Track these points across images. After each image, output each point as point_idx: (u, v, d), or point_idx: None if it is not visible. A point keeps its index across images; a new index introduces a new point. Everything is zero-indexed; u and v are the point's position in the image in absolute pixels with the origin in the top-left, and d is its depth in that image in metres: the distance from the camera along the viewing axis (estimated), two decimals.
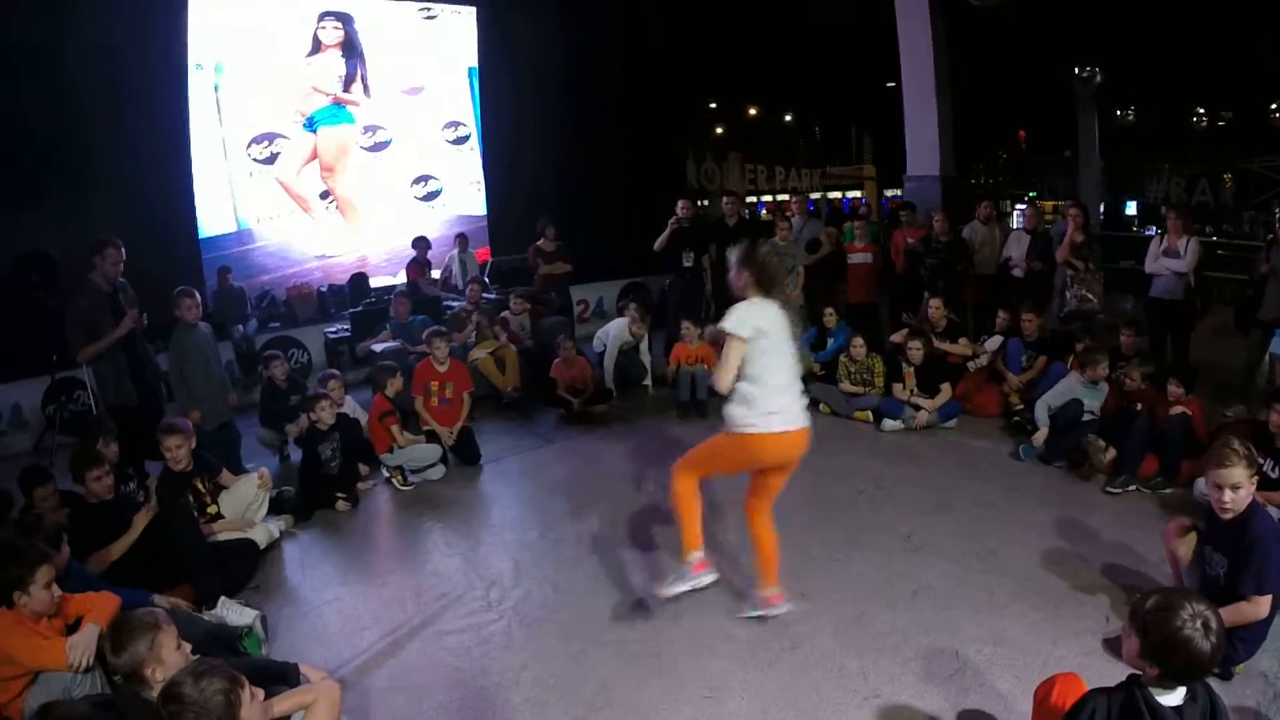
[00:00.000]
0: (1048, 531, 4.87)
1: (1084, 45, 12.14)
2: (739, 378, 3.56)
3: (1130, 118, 15.51)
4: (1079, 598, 4.09)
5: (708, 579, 3.87)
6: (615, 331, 8.22)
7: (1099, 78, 12.46)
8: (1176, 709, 2.20)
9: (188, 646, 2.87)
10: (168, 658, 2.75)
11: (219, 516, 4.99)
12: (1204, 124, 16.08)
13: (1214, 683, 3.18)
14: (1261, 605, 3.23)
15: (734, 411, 3.61)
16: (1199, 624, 2.14)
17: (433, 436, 6.34)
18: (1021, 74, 15.15)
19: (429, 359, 6.62)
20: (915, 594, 4.15)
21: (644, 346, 8.36)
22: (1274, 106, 13.96)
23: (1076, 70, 12.44)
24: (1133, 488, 5.42)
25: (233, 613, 4.02)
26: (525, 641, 3.91)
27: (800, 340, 7.77)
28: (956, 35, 9.19)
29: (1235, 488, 3.29)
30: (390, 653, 3.88)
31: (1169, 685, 2.22)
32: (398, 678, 3.69)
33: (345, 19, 11.22)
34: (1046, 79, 14.47)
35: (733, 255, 3.71)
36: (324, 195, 11.35)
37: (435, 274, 11.11)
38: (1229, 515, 3.34)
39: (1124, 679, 2.33)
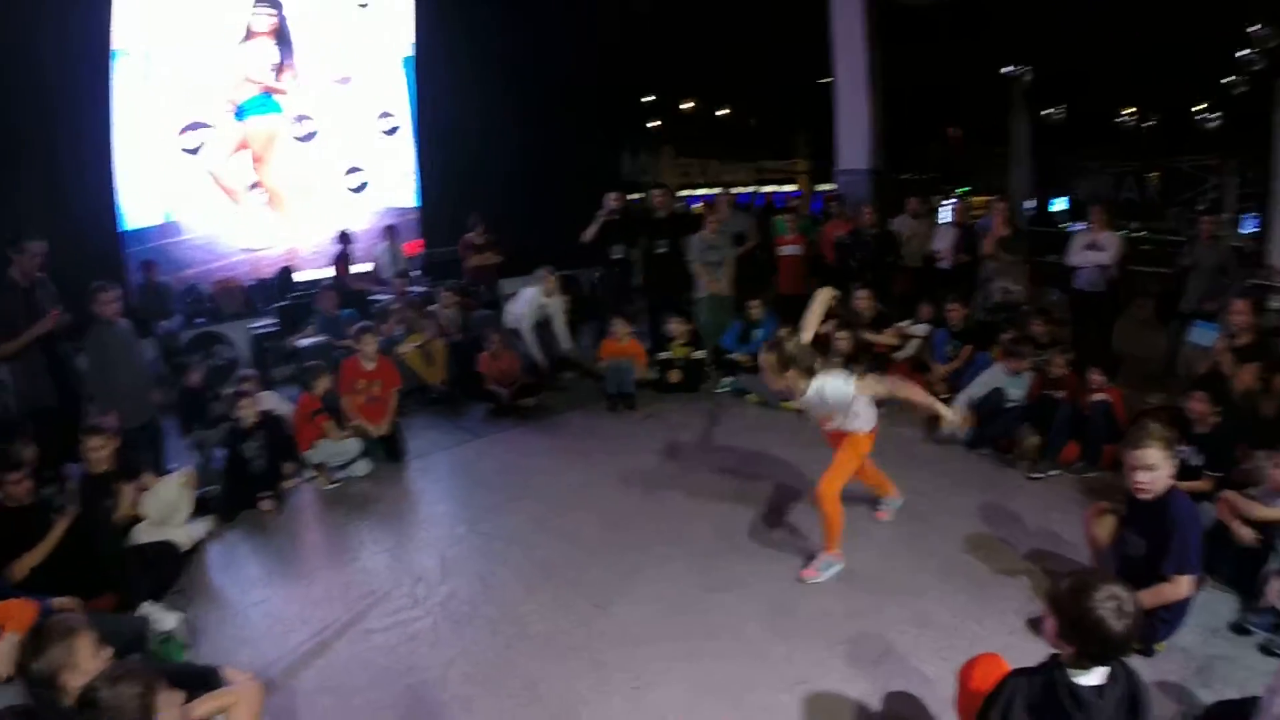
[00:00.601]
0: (973, 516, 4.96)
1: (1014, 44, 12.40)
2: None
3: (1060, 116, 15.87)
4: (1003, 579, 4.18)
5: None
6: (526, 303, 8.13)
7: (1029, 76, 12.73)
8: (1097, 689, 2.23)
9: (108, 651, 2.78)
10: (85, 664, 2.66)
11: (141, 519, 4.79)
12: (1132, 123, 16.56)
13: (1138, 660, 3.30)
14: (1182, 585, 3.32)
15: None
16: (1113, 605, 2.17)
17: (360, 433, 6.18)
18: (953, 72, 15.43)
19: (357, 356, 6.44)
20: (841, 580, 4.17)
21: (558, 314, 8.24)
22: (1200, 108, 14.46)
23: (1007, 69, 12.68)
24: (1056, 472, 5.56)
25: (156, 616, 3.91)
26: (452, 637, 3.85)
27: (727, 332, 7.85)
28: (889, 33, 9.31)
29: (1150, 468, 3.38)
30: (318, 653, 3.80)
31: (1086, 665, 2.25)
32: (325, 678, 3.62)
33: (277, 5, 10.93)
34: (978, 77, 14.76)
35: (762, 358, 4.14)
36: (252, 186, 11.05)
37: (366, 266, 10.90)
38: (1146, 496, 3.44)
39: (1045, 659, 2.35)
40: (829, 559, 4.27)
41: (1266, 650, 3.53)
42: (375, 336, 6.60)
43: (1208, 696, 3.19)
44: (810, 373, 4.05)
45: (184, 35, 10.18)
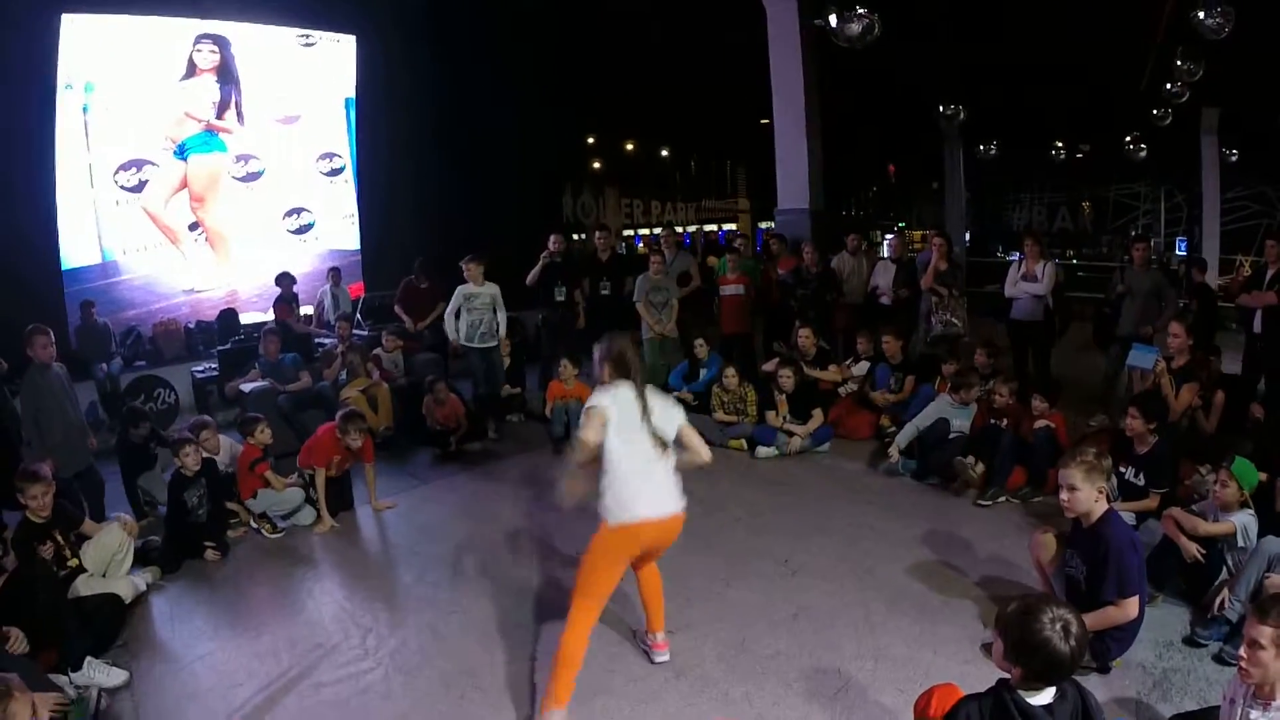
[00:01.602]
0: (922, 546, 5.02)
1: (948, 84, 12.78)
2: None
3: (993, 151, 16.37)
4: (955, 608, 4.23)
5: None
6: (454, 298, 7.82)
7: (963, 115, 13.12)
8: (1047, 707, 2.26)
9: (44, 713, 2.71)
10: None
11: (81, 570, 4.62)
12: (1063, 156, 17.16)
13: (1095, 678, 3.39)
14: (1129, 607, 3.40)
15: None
16: (1058, 627, 2.20)
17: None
18: (890, 111, 15.86)
19: (333, 429, 5.95)
20: (796, 616, 4.19)
21: (488, 309, 7.78)
22: (1128, 139, 15.05)
23: (941, 108, 13.05)
24: (1003, 499, 5.68)
25: (99, 673, 3.79)
26: (404, 690, 3.76)
27: (674, 372, 7.86)
28: (828, 73, 9.52)
29: (1071, 489, 3.50)
30: (266, 708, 3.67)
31: (1036, 686, 2.27)
32: None
33: (222, 43, 10.88)
34: (914, 116, 15.17)
35: (596, 350, 3.64)
36: (193, 226, 10.92)
37: (308, 310, 10.74)
38: (1070, 515, 3.59)
39: (994, 683, 2.37)
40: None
41: (1220, 660, 3.63)
42: (362, 426, 6.08)
43: (1167, 710, 3.27)
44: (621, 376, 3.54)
45: (127, 69, 10.06)
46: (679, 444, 3.55)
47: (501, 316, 7.79)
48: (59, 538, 4.59)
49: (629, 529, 3.45)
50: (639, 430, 3.44)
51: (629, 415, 3.46)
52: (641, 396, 3.49)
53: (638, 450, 3.43)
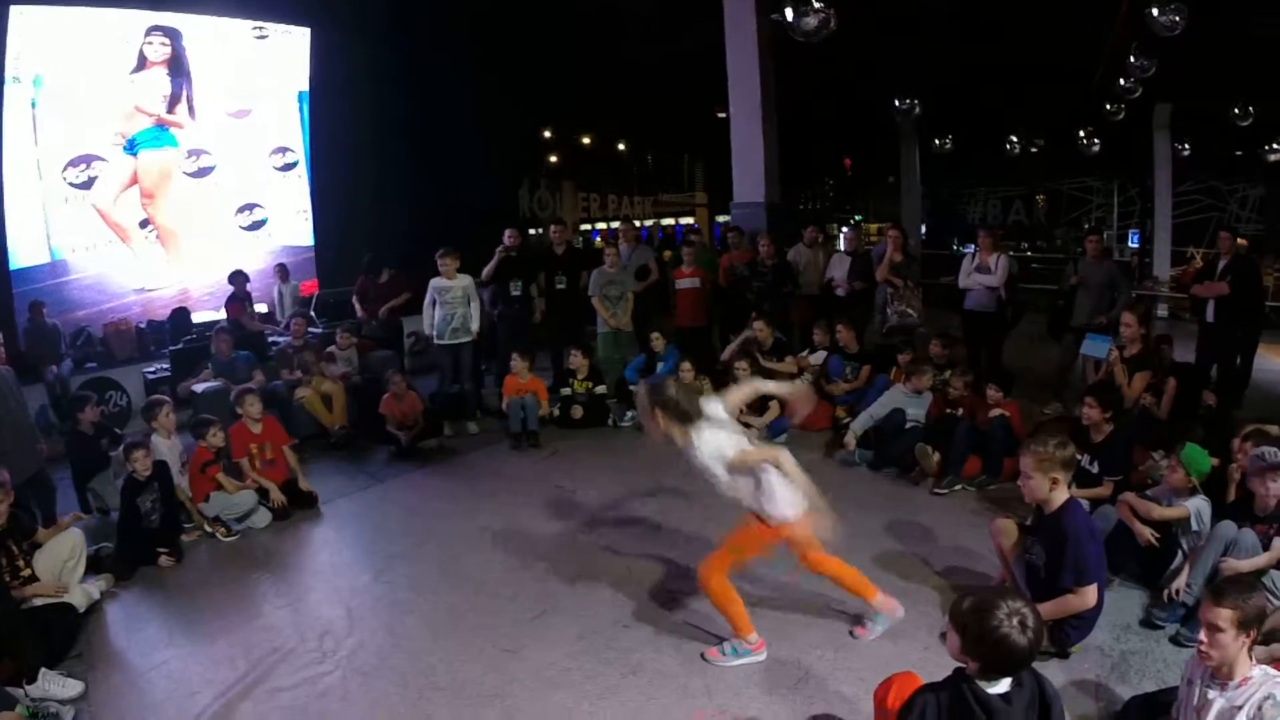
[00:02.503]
0: (881, 535, 5.08)
1: (903, 79, 12.87)
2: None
3: (948, 146, 16.54)
4: (914, 596, 4.27)
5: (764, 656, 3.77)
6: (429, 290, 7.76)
7: (918, 109, 13.22)
8: (1004, 695, 2.30)
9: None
10: None
11: (33, 579, 4.47)
12: (1018, 150, 17.42)
13: (1054, 663, 3.46)
14: (1087, 595, 3.46)
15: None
16: (1015, 621, 2.23)
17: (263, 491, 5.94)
18: (846, 105, 15.94)
19: (243, 420, 6.15)
20: (753, 608, 4.16)
21: (468, 297, 7.71)
22: (1082, 134, 15.30)
23: (897, 102, 13.14)
24: (959, 487, 5.75)
25: (55, 685, 3.73)
26: (362, 691, 3.72)
27: (629, 365, 7.85)
28: (784, 67, 9.54)
29: (1026, 476, 3.57)
30: (224, 715, 3.61)
31: (993, 677, 2.31)
32: None
33: (174, 35, 10.62)
34: (870, 110, 15.27)
35: (641, 398, 3.69)
36: (144, 224, 10.67)
37: (261, 307, 10.55)
38: (1029, 501, 3.68)
39: (951, 673, 2.41)
40: (735, 644, 3.78)
41: (1177, 642, 3.72)
42: (257, 397, 6.32)
43: (1125, 691, 3.34)
44: (687, 421, 3.52)
45: (77, 62, 9.78)
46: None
47: (475, 309, 7.72)
48: (13, 547, 4.44)
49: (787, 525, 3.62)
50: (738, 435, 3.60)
51: (730, 439, 3.55)
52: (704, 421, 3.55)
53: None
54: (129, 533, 5.28)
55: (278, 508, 5.88)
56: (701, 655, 3.80)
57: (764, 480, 3.56)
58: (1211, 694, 2.66)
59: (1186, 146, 15.94)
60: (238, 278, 10.02)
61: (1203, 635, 2.65)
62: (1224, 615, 2.57)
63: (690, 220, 25.48)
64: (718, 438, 3.51)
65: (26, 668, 3.73)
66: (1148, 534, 4.17)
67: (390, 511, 6.09)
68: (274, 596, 4.78)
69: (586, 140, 22.67)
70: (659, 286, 9.60)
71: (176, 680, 3.93)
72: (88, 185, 10.10)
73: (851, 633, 3.91)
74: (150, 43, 10.44)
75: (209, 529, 5.67)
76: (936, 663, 3.42)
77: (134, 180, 10.51)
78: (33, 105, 9.54)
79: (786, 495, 3.55)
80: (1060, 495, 3.55)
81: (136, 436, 5.70)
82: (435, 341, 7.72)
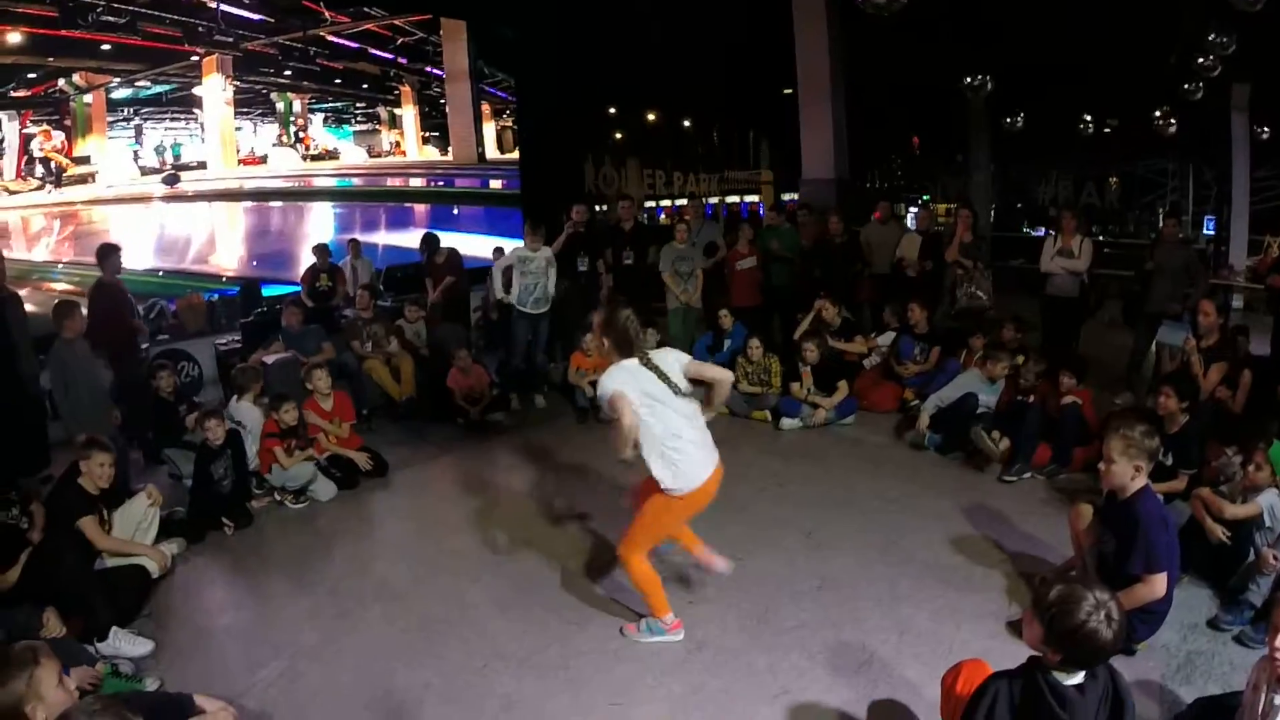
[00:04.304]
0: (946, 521, 4.98)
1: (975, 55, 12.54)
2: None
3: (1019, 124, 16.06)
4: (980, 583, 4.20)
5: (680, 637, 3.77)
6: (506, 257, 7.86)
7: (989, 86, 12.86)
8: (1078, 687, 2.24)
9: (71, 681, 2.68)
10: (48, 694, 2.53)
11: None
12: (1091, 130, 16.85)
13: (1119, 659, 3.28)
14: (1155, 584, 3.33)
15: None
16: (1102, 614, 2.16)
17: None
18: (916, 81, 15.58)
19: (314, 396, 6.22)
20: (819, 589, 4.16)
21: (549, 267, 7.76)
22: (1157, 114, 14.74)
23: (968, 79, 12.80)
24: (1028, 475, 5.60)
25: (125, 643, 3.84)
26: (427, 658, 3.76)
27: (698, 343, 7.81)
28: (852, 43, 9.37)
29: (1109, 460, 3.43)
30: (290, 677, 3.68)
31: (1071, 669, 2.24)
32: (298, 703, 3.50)
33: None
34: (939, 86, 14.92)
35: (594, 319, 3.65)
36: None
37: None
38: (1106, 486, 3.54)
39: (1025, 661, 2.35)
40: (651, 623, 3.79)
41: (1241, 641, 3.57)
42: (325, 371, 6.40)
43: (1189, 693, 3.21)
44: (622, 352, 3.52)
45: None
46: (695, 384, 3.61)
47: (553, 275, 7.74)
48: (103, 509, 4.59)
49: (694, 494, 3.56)
50: (666, 396, 3.47)
51: (651, 387, 3.45)
52: (649, 363, 3.49)
53: (675, 418, 3.49)
54: (200, 498, 5.44)
55: (368, 469, 6.04)
56: (620, 630, 3.86)
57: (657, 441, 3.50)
58: (1279, 701, 2.53)
59: (1266, 130, 15.24)
60: (321, 250, 10.16)
61: (1276, 640, 2.47)
62: None
63: (755, 198, 25.20)
64: (622, 376, 3.45)
65: (98, 625, 3.86)
66: (1219, 532, 4.00)
67: (455, 482, 6.16)
68: (340, 563, 4.87)
69: (651, 117, 22.55)
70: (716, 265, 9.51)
71: (244, 642, 4.04)
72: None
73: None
74: None
75: (278, 497, 5.81)
76: (1000, 650, 3.37)
77: None
78: None
79: (685, 461, 3.52)
80: (1138, 482, 3.43)
81: (211, 405, 5.84)
82: (518, 308, 7.72)
